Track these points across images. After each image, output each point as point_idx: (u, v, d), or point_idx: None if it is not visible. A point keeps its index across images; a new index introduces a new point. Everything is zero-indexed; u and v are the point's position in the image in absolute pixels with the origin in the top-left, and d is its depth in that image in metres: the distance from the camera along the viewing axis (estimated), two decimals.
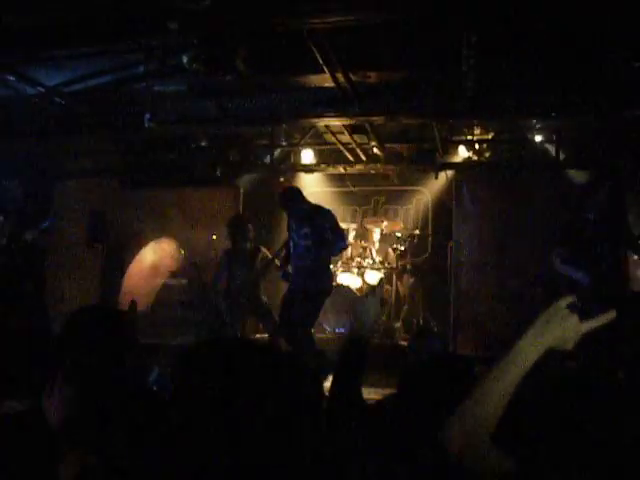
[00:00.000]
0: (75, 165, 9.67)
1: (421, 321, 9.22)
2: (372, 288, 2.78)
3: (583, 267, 5.75)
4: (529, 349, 1.45)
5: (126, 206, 9.90)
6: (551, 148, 8.26)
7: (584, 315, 1.45)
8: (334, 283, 9.22)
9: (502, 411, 1.45)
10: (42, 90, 6.55)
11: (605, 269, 5.68)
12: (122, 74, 6.29)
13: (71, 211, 9.78)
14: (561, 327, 1.46)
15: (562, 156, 8.12)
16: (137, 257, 9.89)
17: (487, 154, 9.19)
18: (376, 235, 9.53)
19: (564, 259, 5.84)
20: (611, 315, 1.47)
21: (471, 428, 1.45)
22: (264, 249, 7.57)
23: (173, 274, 9.71)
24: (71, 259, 9.74)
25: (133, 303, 9.65)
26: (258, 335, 8.53)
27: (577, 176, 8.44)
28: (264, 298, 7.47)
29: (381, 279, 8.87)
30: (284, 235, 10.12)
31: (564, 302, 1.47)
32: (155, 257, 9.93)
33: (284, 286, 7.20)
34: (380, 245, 9.61)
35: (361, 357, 2.22)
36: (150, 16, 4.68)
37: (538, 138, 8.39)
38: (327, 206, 9.07)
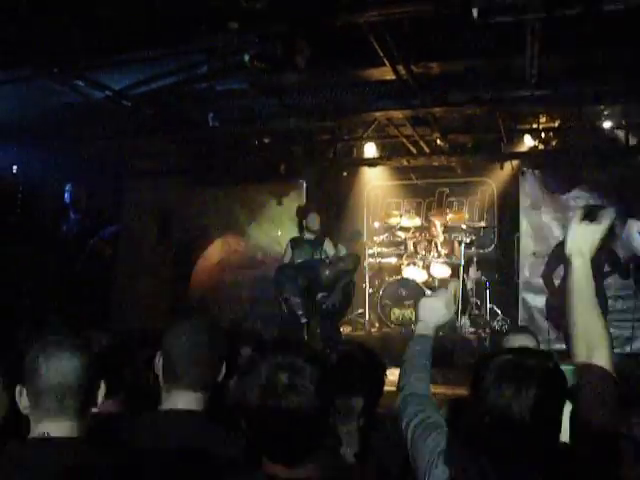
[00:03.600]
0: (143, 165, 9.92)
1: (488, 315, 9.09)
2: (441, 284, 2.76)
3: None
4: (578, 254, 1.80)
5: (193, 204, 10.10)
6: (621, 134, 8.01)
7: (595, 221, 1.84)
8: (399, 277, 9.21)
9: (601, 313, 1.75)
10: (109, 94, 6.72)
11: None
12: (185, 75, 6.40)
13: (141, 210, 10.05)
14: (583, 233, 1.82)
15: (633, 141, 7.87)
16: (204, 254, 10.08)
17: (554, 142, 8.97)
18: (439, 228, 9.43)
19: None
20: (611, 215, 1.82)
21: (584, 332, 1.74)
22: (327, 239, 7.51)
23: (240, 269, 9.85)
24: (142, 256, 10.00)
25: (203, 300, 9.84)
26: None
27: None
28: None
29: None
30: (348, 227, 10.14)
31: (580, 215, 1.84)
32: (222, 253, 10.09)
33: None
34: (445, 238, 9.52)
35: (426, 355, 2.20)
36: (211, 17, 4.75)
37: (607, 124, 8.13)
38: (391, 199, 8.94)
